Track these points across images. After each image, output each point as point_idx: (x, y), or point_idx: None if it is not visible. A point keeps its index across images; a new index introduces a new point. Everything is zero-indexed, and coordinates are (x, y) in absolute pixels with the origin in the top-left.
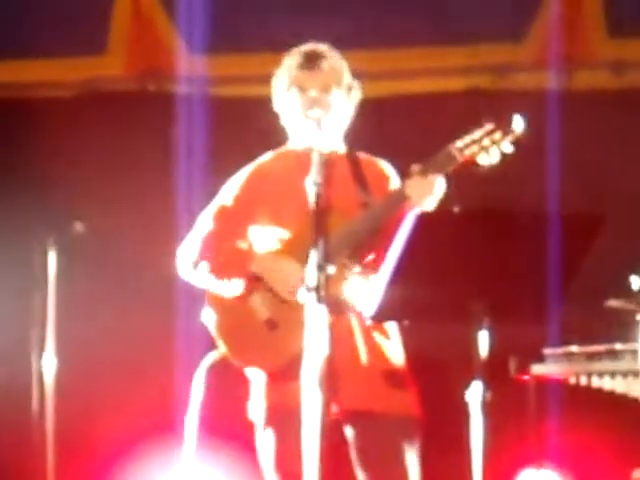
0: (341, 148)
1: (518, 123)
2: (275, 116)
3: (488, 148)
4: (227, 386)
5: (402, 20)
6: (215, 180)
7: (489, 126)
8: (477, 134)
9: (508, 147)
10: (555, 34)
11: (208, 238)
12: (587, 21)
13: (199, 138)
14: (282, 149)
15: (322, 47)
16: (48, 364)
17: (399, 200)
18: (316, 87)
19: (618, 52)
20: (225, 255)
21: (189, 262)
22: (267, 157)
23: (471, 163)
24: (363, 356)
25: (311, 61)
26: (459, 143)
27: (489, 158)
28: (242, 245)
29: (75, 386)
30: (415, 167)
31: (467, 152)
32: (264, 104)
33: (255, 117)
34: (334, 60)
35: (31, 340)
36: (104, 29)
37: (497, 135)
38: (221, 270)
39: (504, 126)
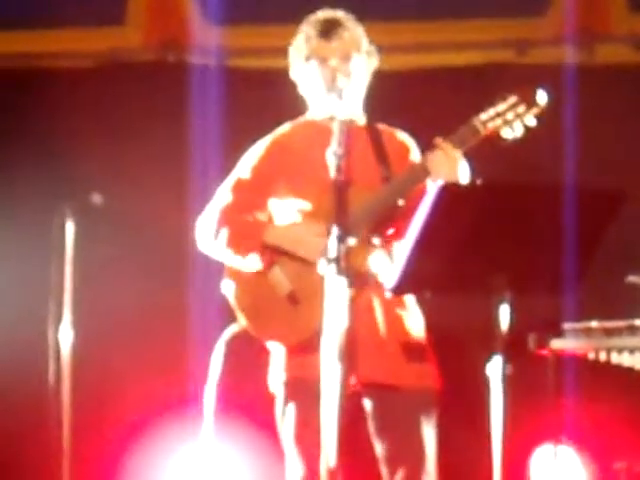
0: (361, 119)
1: (542, 96)
2: (292, 88)
3: (512, 122)
4: (247, 359)
5: None
6: (231, 152)
7: (512, 99)
8: (501, 107)
9: (532, 121)
10: (575, 8)
11: (226, 210)
12: None
13: (216, 109)
14: (301, 119)
15: (339, 14)
16: (65, 335)
17: (421, 174)
18: (336, 56)
19: (638, 26)
20: (238, 229)
21: (208, 234)
22: (286, 128)
23: (495, 137)
24: (382, 329)
25: (329, 30)
26: (483, 116)
27: (513, 132)
28: (261, 217)
29: (92, 357)
30: (438, 140)
31: (491, 125)
32: (282, 76)
33: (273, 89)
34: (352, 26)
35: (48, 311)
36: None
37: (521, 108)
38: (236, 244)
39: (528, 99)
